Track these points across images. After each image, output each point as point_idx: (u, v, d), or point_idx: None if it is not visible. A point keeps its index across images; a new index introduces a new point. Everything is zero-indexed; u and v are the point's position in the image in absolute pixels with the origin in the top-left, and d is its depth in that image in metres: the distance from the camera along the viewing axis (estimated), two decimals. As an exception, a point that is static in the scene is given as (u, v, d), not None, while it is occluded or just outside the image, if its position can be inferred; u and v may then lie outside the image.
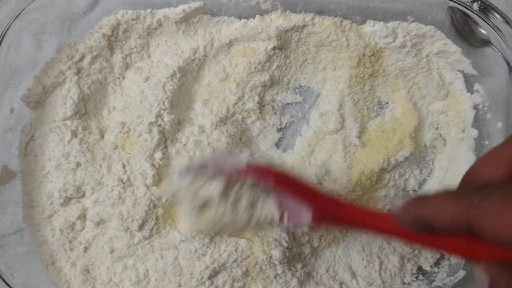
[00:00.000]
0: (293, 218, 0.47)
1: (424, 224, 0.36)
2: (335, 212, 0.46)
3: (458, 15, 0.67)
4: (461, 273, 0.63)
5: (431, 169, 0.70)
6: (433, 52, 0.69)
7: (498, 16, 0.64)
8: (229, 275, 0.58)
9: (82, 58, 0.65)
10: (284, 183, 0.46)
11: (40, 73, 0.63)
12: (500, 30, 0.64)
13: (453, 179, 0.68)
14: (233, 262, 0.58)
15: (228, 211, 0.46)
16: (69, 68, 0.64)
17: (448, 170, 0.69)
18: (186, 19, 0.67)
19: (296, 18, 0.67)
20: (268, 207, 0.47)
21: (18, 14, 0.63)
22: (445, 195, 0.35)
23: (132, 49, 0.68)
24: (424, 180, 0.70)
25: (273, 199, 0.47)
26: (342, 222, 0.48)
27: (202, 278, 0.58)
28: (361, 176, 0.64)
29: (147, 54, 0.69)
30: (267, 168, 0.47)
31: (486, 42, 0.67)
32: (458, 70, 0.69)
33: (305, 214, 0.47)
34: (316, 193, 0.47)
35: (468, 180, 0.37)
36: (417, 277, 0.65)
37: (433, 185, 0.69)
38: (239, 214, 0.46)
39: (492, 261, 0.34)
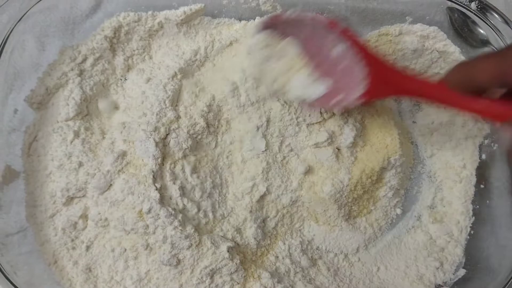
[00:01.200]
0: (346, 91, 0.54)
1: (469, 82, 0.45)
2: (392, 79, 0.51)
3: (456, 15, 0.68)
4: (462, 272, 0.64)
5: (432, 166, 0.71)
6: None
7: (496, 16, 0.64)
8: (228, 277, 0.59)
9: (84, 60, 0.65)
10: (352, 36, 0.52)
11: (43, 74, 0.64)
12: (499, 30, 0.65)
13: (455, 176, 0.68)
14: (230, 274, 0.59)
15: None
16: (72, 69, 0.64)
17: (449, 166, 0.69)
18: (187, 21, 0.68)
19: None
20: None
21: (22, 17, 0.63)
22: (486, 55, 0.45)
23: (133, 51, 0.69)
24: (425, 179, 0.71)
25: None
26: (398, 92, 0.53)
27: (202, 277, 0.58)
28: (362, 175, 0.64)
29: (148, 56, 0.69)
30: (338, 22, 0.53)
31: (485, 42, 0.67)
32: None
33: (359, 84, 0.52)
34: (377, 57, 0.52)
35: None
36: (417, 276, 0.66)
37: (435, 181, 0.70)
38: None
39: None
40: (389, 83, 0.52)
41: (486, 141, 0.68)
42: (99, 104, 0.65)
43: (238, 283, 0.59)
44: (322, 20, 0.52)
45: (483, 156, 0.68)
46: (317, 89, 0.56)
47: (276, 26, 0.56)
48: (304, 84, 0.56)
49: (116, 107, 0.66)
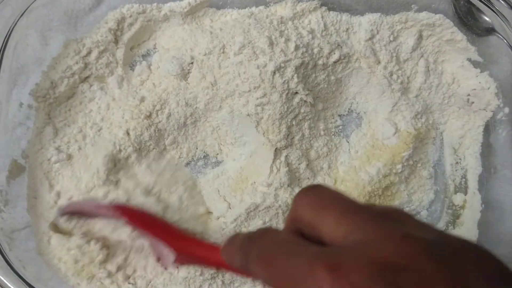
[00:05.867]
0: (162, 259, 0.53)
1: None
2: (189, 251, 0.49)
3: (462, 2, 0.67)
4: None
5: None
6: (443, 40, 0.69)
7: (502, 2, 0.64)
8: None
9: (89, 53, 0.65)
10: (141, 222, 0.52)
11: (48, 68, 0.64)
12: (505, 17, 0.65)
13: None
14: None
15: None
16: (76, 63, 0.64)
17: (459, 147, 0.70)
18: (191, 13, 0.68)
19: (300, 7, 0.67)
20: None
21: (24, 12, 0.63)
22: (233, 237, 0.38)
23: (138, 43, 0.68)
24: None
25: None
26: (198, 262, 0.51)
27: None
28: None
29: (153, 48, 0.69)
30: (125, 207, 0.53)
31: (490, 31, 0.67)
32: (467, 59, 0.69)
33: (169, 254, 0.51)
34: (170, 233, 0.52)
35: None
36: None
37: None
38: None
39: None
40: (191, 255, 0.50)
41: (492, 128, 0.68)
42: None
43: None
44: (104, 210, 0.53)
45: (490, 142, 0.68)
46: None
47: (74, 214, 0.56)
48: None
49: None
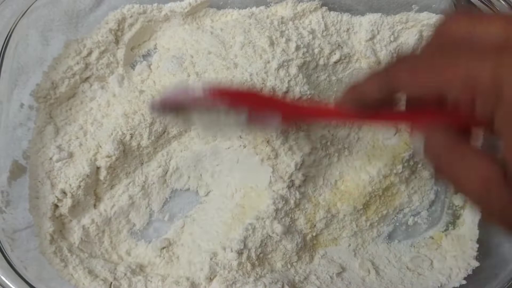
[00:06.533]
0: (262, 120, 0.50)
1: (360, 103, 0.38)
2: (298, 114, 0.49)
3: (462, 2, 0.67)
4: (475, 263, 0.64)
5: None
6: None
7: (503, 2, 0.64)
8: None
9: (89, 54, 0.65)
10: (244, 100, 0.48)
11: (49, 68, 0.64)
12: (505, 17, 0.64)
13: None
14: None
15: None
16: (77, 63, 0.64)
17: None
18: (192, 13, 0.68)
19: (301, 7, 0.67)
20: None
21: (25, 12, 0.63)
22: (371, 71, 0.38)
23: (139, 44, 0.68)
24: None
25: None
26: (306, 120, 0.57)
27: None
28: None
29: (153, 48, 0.69)
30: (220, 89, 0.48)
31: (490, 31, 0.67)
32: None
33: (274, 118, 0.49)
34: (278, 101, 0.51)
35: None
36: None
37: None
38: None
39: (424, 123, 0.36)
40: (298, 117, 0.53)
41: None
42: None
43: None
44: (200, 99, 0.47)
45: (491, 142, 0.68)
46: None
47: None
48: None
49: None
